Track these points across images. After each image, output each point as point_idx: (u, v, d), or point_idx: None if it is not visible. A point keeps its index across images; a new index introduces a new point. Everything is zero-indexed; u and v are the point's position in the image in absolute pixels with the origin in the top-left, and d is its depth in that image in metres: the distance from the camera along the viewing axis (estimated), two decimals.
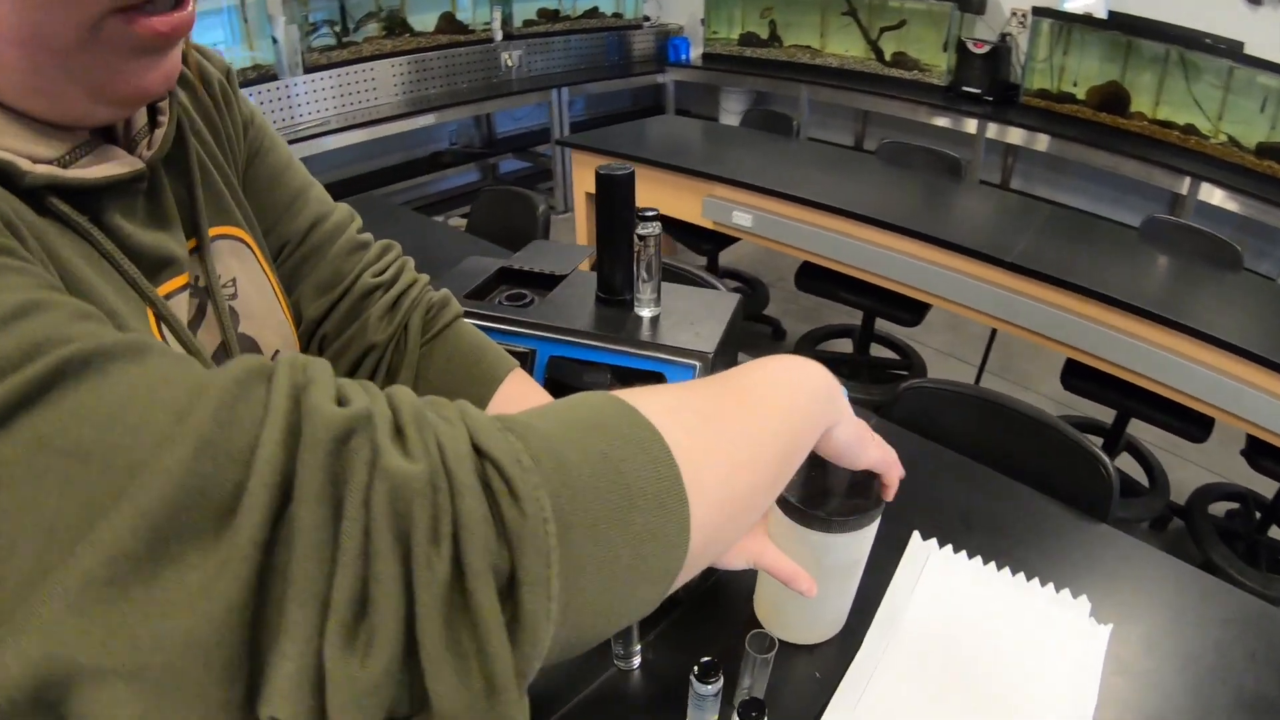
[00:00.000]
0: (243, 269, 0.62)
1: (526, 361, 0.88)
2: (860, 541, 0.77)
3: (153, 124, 0.53)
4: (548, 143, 4.97)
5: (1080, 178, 4.21)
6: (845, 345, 3.27)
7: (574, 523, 0.33)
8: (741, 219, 2.73)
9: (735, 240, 3.06)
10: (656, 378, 0.83)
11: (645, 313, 0.89)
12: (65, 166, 0.43)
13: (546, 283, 1.01)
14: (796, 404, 0.51)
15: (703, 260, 3.39)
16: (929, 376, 1.52)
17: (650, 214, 0.84)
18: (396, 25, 4.19)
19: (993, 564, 0.95)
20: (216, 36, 3.52)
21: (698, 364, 0.82)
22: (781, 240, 2.67)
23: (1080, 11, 3.63)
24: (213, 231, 0.59)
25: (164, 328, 0.50)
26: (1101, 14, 3.56)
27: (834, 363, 3.15)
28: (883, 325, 2.96)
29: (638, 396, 0.40)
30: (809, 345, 3.25)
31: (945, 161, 2.90)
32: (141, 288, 0.48)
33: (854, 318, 3.02)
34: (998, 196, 3.08)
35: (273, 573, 0.27)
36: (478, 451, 0.32)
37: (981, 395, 1.28)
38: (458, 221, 2.21)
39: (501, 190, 2.37)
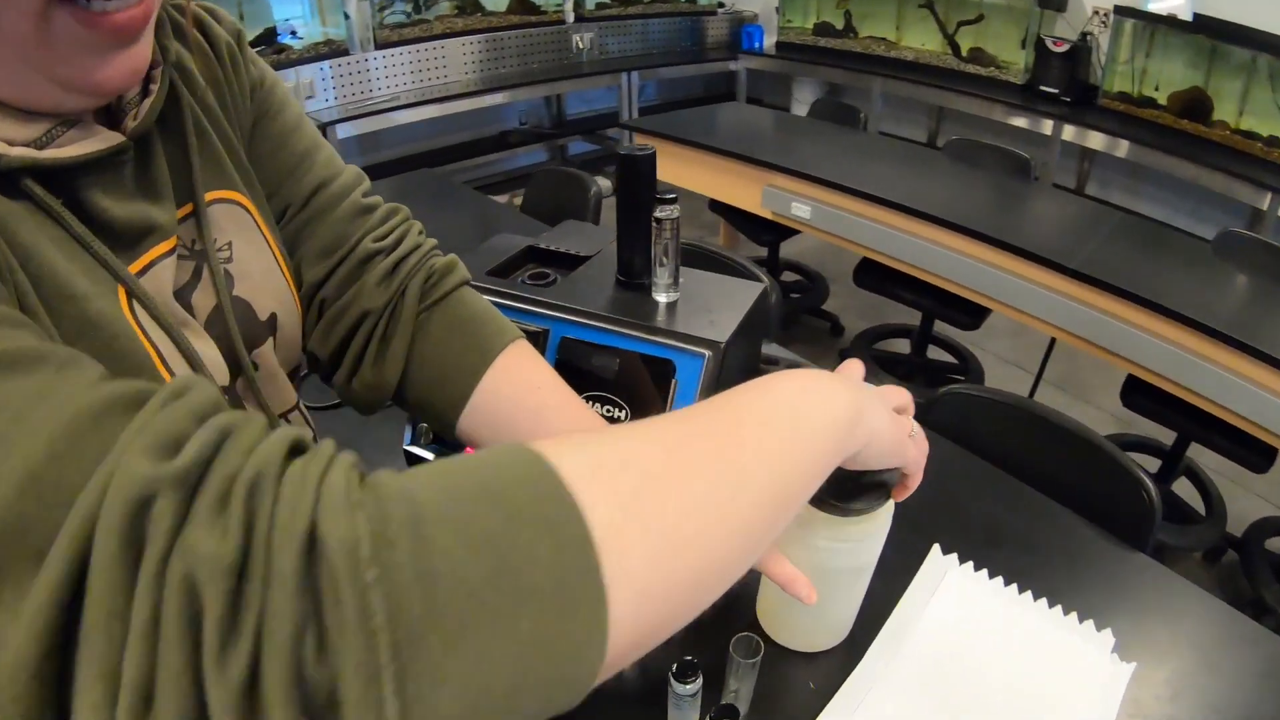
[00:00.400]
0: (239, 233, 0.62)
1: (539, 341, 0.86)
2: (866, 547, 0.73)
3: (144, 93, 0.53)
4: (617, 125, 4.96)
5: (1157, 185, 4.02)
6: (903, 345, 3.19)
7: (428, 628, 0.27)
8: (800, 210, 2.68)
9: (796, 232, 3.00)
10: (665, 365, 0.80)
11: (661, 298, 0.87)
12: (42, 147, 0.44)
13: (572, 263, 0.99)
14: (800, 440, 0.42)
15: (762, 251, 3.34)
16: (984, 384, 1.46)
17: (669, 196, 0.81)
18: (468, 4, 4.21)
19: (1014, 586, 0.90)
20: (292, 11, 3.63)
21: (707, 353, 0.79)
22: (839, 234, 2.61)
23: (1164, 12, 3.45)
24: (209, 195, 0.59)
25: (135, 304, 0.50)
26: (1186, 16, 3.38)
27: (890, 363, 3.09)
28: (944, 329, 2.88)
29: (585, 443, 0.35)
30: (865, 343, 3.17)
31: (1014, 161, 2.80)
32: (113, 268, 0.48)
33: (915, 318, 2.94)
34: (1066, 200, 2.96)
35: (76, 632, 0.25)
36: (314, 533, 0.27)
37: (1023, 406, 1.22)
38: (521, 201, 2.24)
39: (556, 171, 2.38)
